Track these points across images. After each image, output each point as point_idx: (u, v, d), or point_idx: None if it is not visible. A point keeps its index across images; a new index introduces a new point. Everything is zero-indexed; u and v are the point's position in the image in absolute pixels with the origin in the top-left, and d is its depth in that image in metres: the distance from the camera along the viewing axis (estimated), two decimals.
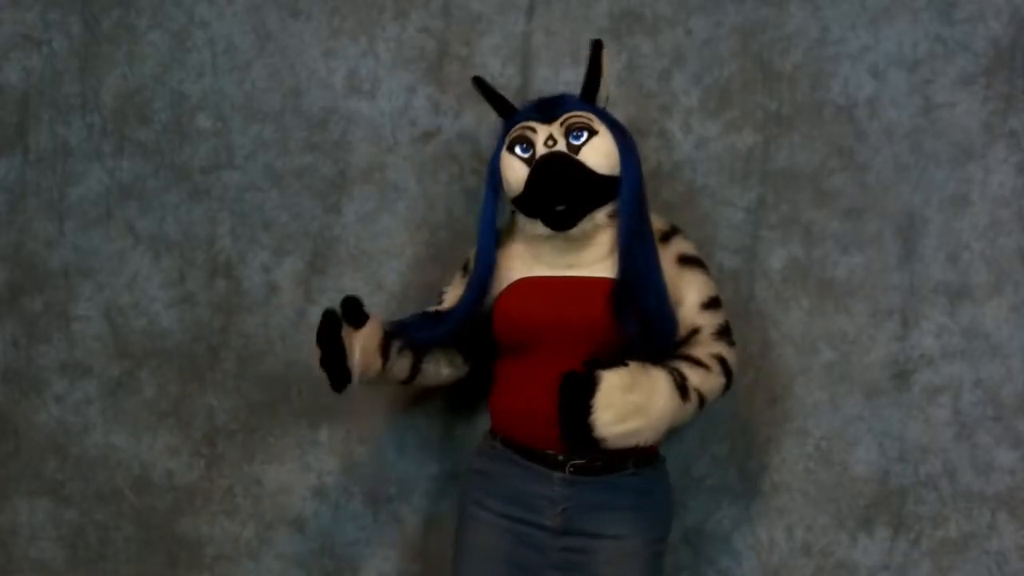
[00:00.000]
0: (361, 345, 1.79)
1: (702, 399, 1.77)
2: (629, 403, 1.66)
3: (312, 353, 1.78)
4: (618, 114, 2.17)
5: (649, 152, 2.18)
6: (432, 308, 1.97)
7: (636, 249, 1.79)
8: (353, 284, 2.23)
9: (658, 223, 1.89)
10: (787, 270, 2.16)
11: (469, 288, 1.88)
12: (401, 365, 1.89)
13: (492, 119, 2.00)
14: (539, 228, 1.82)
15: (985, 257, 2.12)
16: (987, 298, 2.12)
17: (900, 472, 2.15)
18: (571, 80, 2.17)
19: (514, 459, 1.84)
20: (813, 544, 2.17)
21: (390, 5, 2.23)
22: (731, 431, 2.18)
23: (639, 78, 2.18)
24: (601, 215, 1.81)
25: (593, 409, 1.63)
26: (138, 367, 2.29)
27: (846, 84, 2.15)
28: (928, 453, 2.14)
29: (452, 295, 1.96)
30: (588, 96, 1.86)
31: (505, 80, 2.16)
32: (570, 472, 1.79)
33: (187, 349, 2.28)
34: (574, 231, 1.80)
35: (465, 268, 1.97)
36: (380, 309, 2.21)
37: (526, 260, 1.87)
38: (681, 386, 1.73)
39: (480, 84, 1.95)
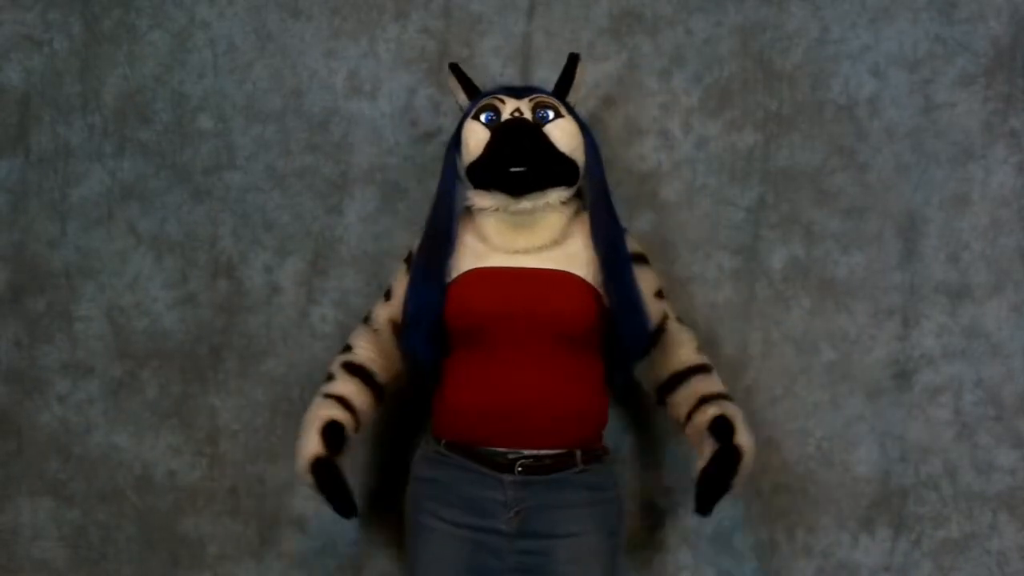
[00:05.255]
0: (349, 465, 1.85)
1: None
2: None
3: (305, 481, 1.82)
4: (618, 114, 2.18)
5: (649, 152, 2.18)
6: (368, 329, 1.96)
7: (615, 251, 1.84)
8: (354, 284, 2.23)
9: None
10: (788, 270, 2.16)
11: (428, 271, 1.85)
12: (368, 415, 1.94)
13: None
14: (488, 200, 1.83)
15: (985, 257, 2.12)
16: (987, 298, 2.12)
17: (901, 472, 2.15)
18: None
19: (462, 464, 1.81)
20: (814, 545, 2.17)
21: (390, 6, 2.23)
22: None
23: (639, 78, 2.18)
24: (554, 195, 1.83)
25: (737, 476, 1.80)
26: (140, 367, 2.29)
27: (846, 84, 2.14)
28: (929, 453, 2.14)
29: (399, 291, 1.92)
30: (558, 94, 1.92)
31: (505, 80, 2.16)
32: (519, 473, 1.78)
33: (189, 349, 2.28)
34: (525, 203, 1.81)
35: (409, 260, 1.94)
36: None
37: (475, 250, 1.85)
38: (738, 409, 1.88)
39: (456, 71, 1.97)
